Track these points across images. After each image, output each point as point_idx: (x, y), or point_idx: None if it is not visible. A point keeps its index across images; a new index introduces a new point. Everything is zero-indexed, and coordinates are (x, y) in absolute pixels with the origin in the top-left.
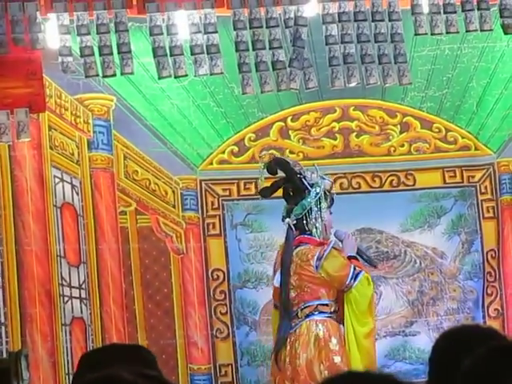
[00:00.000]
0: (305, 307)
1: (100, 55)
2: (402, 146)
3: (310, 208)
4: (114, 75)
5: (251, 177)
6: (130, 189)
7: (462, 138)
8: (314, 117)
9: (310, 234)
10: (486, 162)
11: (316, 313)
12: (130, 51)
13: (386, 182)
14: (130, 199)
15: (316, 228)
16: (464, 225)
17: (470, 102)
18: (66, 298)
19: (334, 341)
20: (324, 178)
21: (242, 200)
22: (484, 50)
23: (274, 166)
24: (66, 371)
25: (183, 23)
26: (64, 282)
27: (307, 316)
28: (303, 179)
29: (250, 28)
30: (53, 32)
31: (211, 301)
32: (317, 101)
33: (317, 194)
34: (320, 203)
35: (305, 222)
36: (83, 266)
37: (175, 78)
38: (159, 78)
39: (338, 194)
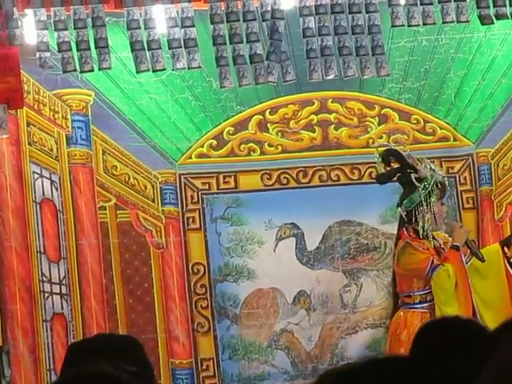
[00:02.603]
0: (399, 297)
1: (78, 50)
2: (381, 137)
3: (420, 201)
4: (91, 70)
5: (230, 170)
6: (110, 184)
7: (441, 129)
8: (292, 110)
9: (416, 226)
10: (464, 153)
11: (402, 304)
12: (107, 46)
13: (365, 173)
14: (109, 194)
15: (424, 220)
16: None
17: (448, 93)
18: (46, 294)
19: (404, 332)
20: (435, 171)
21: (222, 194)
22: (461, 40)
23: (388, 156)
24: (48, 367)
25: (160, 17)
26: (44, 278)
27: (401, 306)
28: (413, 173)
29: (227, 22)
30: (30, 27)
31: (192, 295)
32: (295, 93)
33: (425, 188)
34: (430, 197)
35: (414, 214)
36: (63, 262)
37: (153, 72)
38: (137, 73)
39: (317, 186)
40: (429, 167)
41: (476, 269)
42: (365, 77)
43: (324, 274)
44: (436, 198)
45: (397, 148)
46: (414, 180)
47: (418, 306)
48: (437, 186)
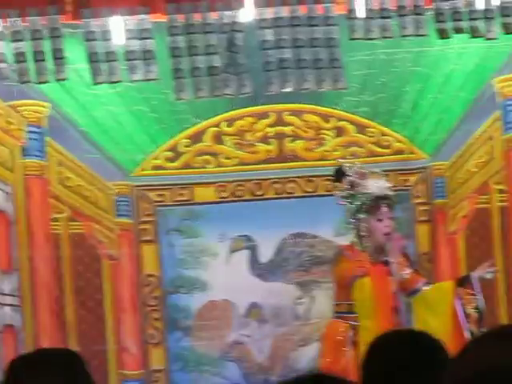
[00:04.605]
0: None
1: (34, 61)
2: (337, 150)
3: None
4: (47, 81)
5: (185, 182)
6: (63, 195)
7: (397, 142)
8: (248, 122)
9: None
10: (420, 166)
11: (333, 312)
12: (64, 57)
13: (320, 186)
14: (63, 205)
15: (356, 234)
16: (398, 228)
17: (404, 107)
18: None
19: (328, 341)
20: (370, 186)
21: (176, 206)
22: (419, 54)
23: (336, 173)
24: None
25: (118, 29)
26: None
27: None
28: (348, 190)
29: (186, 34)
30: None
31: (144, 307)
32: (251, 106)
33: (351, 204)
34: (358, 213)
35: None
36: (15, 273)
37: (110, 83)
38: (94, 84)
39: (272, 198)
40: (371, 182)
41: (426, 302)
42: (322, 90)
43: (277, 286)
44: (366, 214)
45: (342, 166)
46: (338, 200)
47: (344, 315)
48: (370, 201)
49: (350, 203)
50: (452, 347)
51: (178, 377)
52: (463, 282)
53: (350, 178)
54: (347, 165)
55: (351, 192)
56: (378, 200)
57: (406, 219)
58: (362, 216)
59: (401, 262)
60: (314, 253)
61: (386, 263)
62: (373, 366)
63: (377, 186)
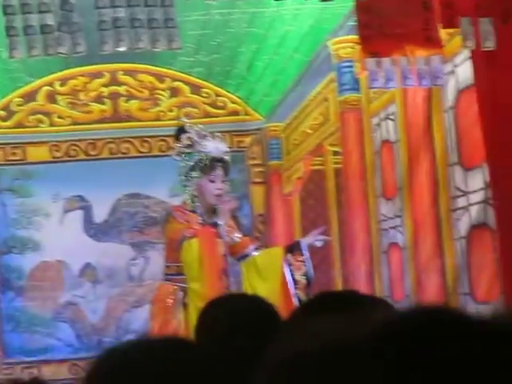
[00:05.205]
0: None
1: None
2: (171, 111)
3: (185, 175)
4: None
5: (18, 142)
6: None
7: (232, 103)
8: (82, 81)
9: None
10: (255, 127)
11: (163, 274)
12: None
13: (155, 147)
14: None
15: (189, 193)
16: (233, 190)
17: (239, 68)
18: None
19: (157, 304)
20: (206, 146)
21: (8, 165)
22: (254, 15)
23: (177, 132)
24: None
25: None
26: None
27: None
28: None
29: None
30: None
31: None
32: (85, 65)
33: (186, 162)
34: (191, 171)
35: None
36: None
37: None
38: None
39: (106, 159)
40: (210, 143)
41: (255, 267)
42: (156, 50)
43: (111, 246)
44: (200, 173)
45: (184, 125)
46: (174, 155)
47: (173, 277)
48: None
49: (186, 161)
50: (280, 313)
51: (10, 338)
52: (293, 249)
53: (189, 136)
54: (189, 124)
55: (188, 150)
56: (214, 161)
57: (241, 181)
58: (195, 175)
59: (231, 225)
60: (148, 213)
61: (216, 225)
62: (209, 330)
63: (215, 147)
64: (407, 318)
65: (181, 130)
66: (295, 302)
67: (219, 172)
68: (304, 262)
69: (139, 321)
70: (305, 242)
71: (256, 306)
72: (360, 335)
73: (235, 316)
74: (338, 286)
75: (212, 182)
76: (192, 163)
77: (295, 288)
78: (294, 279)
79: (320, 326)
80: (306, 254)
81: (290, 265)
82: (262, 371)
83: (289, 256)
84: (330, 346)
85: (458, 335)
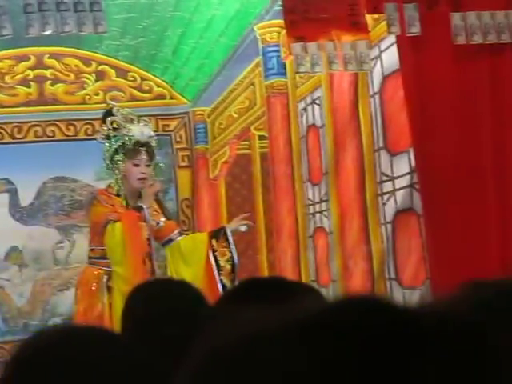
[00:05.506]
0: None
1: None
2: (98, 94)
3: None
4: None
5: None
6: None
7: (158, 86)
8: (7, 64)
9: None
10: (181, 111)
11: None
12: None
13: (81, 130)
14: None
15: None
16: (159, 174)
17: (165, 51)
18: None
19: (81, 289)
20: (130, 130)
21: None
22: None
23: (104, 115)
24: None
25: None
26: None
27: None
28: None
29: None
30: None
31: None
32: (11, 48)
33: (110, 147)
34: (116, 155)
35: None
36: None
37: None
38: None
39: (32, 142)
40: (135, 127)
41: (180, 252)
42: (82, 33)
43: (37, 230)
44: (124, 156)
45: (112, 106)
46: (99, 138)
47: (98, 261)
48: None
49: (110, 144)
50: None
51: None
52: (217, 234)
53: (115, 119)
54: (116, 107)
55: (113, 133)
56: (138, 145)
57: (167, 165)
58: (118, 158)
59: (156, 210)
60: (74, 197)
61: (140, 209)
62: (135, 316)
63: (140, 131)
64: (337, 308)
65: (108, 113)
66: (219, 287)
67: (143, 156)
68: (229, 247)
69: (66, 304)
70: (229, 227)
71: (183, 290)
72: (289, 324)
73: (162, 301)
74: (265, 271)
75: (136, 165)
76: (116, 147)
77: (219, 274)
78: (218, 265)
79: (247, 316)
80: (231, 239)
81: (214, 251)
82: (185, 365)
83: (213, 242)
84: (256, 336)
85: (387, 325)
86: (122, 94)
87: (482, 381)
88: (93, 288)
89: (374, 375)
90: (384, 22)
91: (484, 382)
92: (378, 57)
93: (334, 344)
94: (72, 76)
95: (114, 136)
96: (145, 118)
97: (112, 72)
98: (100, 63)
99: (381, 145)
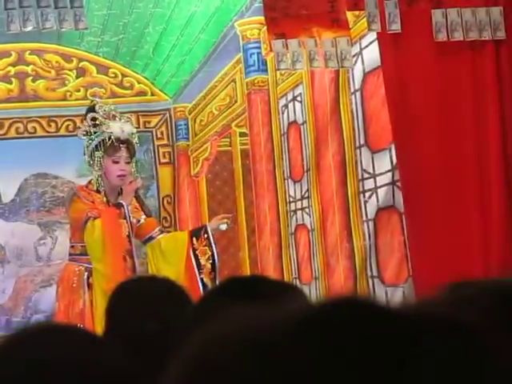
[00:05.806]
0: None
1: None
2: (79, 91)
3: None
4: None
5: None
6: None
7: (139, 83)
8: None
9: None
10: (162, 108)
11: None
12: None
13: (62, 126)
14: None
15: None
16: (140, 170)
17: (146, 48)
18: None
19: (62, 285)
20: (109, 127)
21: None
22: None
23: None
24: None
25: None
26: None
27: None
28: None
29: None
30: None
31: None
32: None
33: (89, 143)
34: (95, 152)
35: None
36: None
37: None
38: None
39: (13, 138)
40: (116, 124)
41: (160, 249)
42: (63, 29)
43: (19, 226)
44: (104, 153)
45: (95, 102)
46: (79, 134)
47: (78, 257)
48: (110, 141)
49: (90, 141)
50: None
51: None
52: (198, 233)
53: (95, 115)
54: (100, 104)
55: (93, 129)
56: (118, 142)
57: (148, 161)
58: (98, 155)
59: (137, 207)
60: (55, 193)
61: (120, 206)
62: (118, 313)
63: (120, 128)
64: (325, 309)
65: (91, 110)
66: (200, 286)
67: (123, 153)
68: (209, 246)
69: (48, 301)
70: (210, 226)
71: (168, 288)
72: (280, 325)
73: (146, 299)
74: (247, 268)
75: (116, 162)
76: (96, 143)
77: (200, 273)
78: (199, 264)
79: (233, 317)
80: (212, 238)
81: (195, 249)
82: (173, 367)
83: (194, 240)
84: (246, 337)
85: (381, 324)
86: (103, 91)
87: (473, 380)
88: (74, 285)
89: (373, 375)
90: (365, 19)
91: (475, 381)
92: (359, 54)
93: (330, 345)
94: (53, 72)
95: (95, 132)
96: (127, 115)
97: (93, 68)
98: (81, 60)
99: (362, 142)
